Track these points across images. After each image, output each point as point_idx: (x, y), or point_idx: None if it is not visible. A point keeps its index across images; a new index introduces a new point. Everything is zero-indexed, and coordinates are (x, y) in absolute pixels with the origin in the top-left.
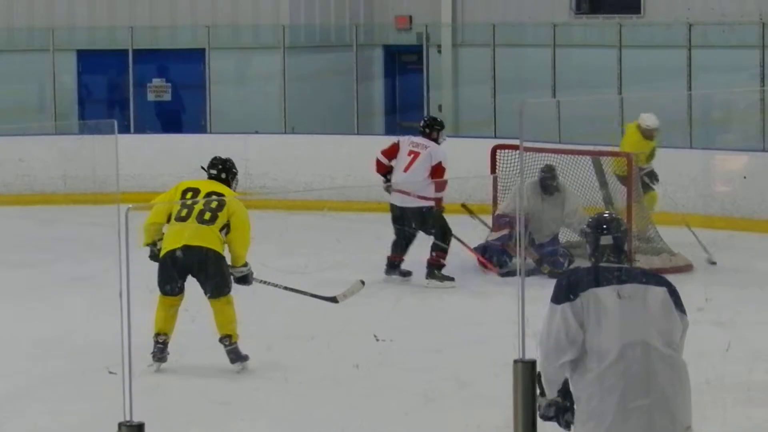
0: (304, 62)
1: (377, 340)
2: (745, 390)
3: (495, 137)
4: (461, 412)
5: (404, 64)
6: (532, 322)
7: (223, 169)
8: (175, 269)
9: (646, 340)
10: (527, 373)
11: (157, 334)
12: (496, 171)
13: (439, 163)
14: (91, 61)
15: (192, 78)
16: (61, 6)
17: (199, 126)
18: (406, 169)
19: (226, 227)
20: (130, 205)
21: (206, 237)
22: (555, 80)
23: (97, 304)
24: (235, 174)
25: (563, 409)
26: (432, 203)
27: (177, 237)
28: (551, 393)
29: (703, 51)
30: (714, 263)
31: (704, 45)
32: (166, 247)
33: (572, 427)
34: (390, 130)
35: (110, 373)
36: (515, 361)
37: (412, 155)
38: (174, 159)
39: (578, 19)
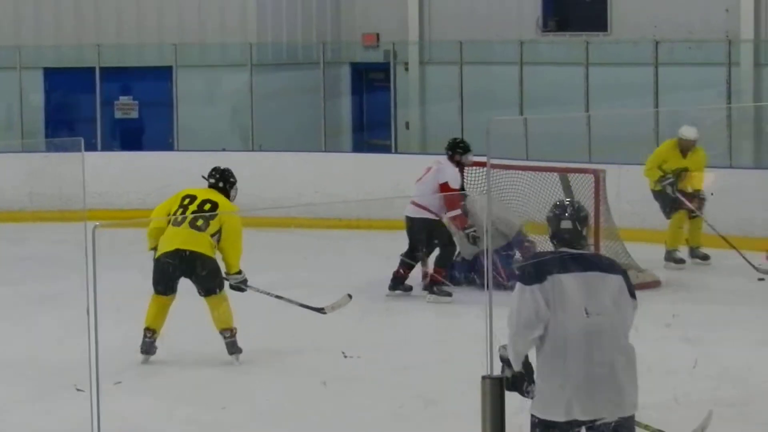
0: (271, 80)
1: (345, 356)
2: (712, 407)
3: None
4: (430, 429)
5: (371, 81)
6: (501, 338)
7: (220, 179)
8: (168, 271)
9: (604, 323)
10: (495, 390)
11: (147, 329)
12: (465, 188)
13: (445, 183)
14: (58, 79)
15: (159, 96)
16: (28, 24)
17: (166, 144)
18: (417, 181)
19: (218, 234)
20: (97, 223)
21: (197, 242)
22: (522, 97)
23: (65, 322)
24: (233, 183)
25: (526, 381)
26: (436, 217)
27: (170, 241)
28: (516, 366)
29: (670, 68)
30: (762, 279)
31: (671, 62)
32: (160, 249)
33: (532, 396)
34: (357, 148)
35: (78, 390)
36: (483, 378)
37: (427, 170)
38: (141, 177)
39: (545, 37)
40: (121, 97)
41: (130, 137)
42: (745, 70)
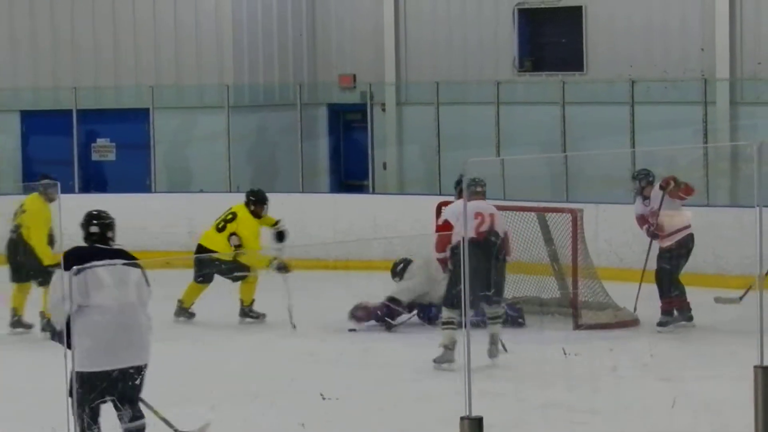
0: (248, 121)
1: (323, 398)
2: None
3: (440, 194)
4: None
5: (348, 122)
6: (479, 378)
7: (249, 200)
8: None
9: (132, 300)
10: (474, 430)
11: (187, 309)
12: None
13: (444, 221)
14: (34, 122)
15: (136, 138)
16: (5, 67)
17: (143, 185)
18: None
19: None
20: (75, 267)
21: (213, 240)
22: (499, 137)
23: (40, 362)
24: (262, 202)
25: (60, 335)
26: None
27: (201, 238)
28: (58, 326)
29: (646, 107)
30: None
31: (647, 101)
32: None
33: (75, 351)
34: (335, 189)
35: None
36: (462, 419)
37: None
38: (118, 218)
39: (521, 77)
40: (98, 140)
41: (107, 179)
42: (721, 108)
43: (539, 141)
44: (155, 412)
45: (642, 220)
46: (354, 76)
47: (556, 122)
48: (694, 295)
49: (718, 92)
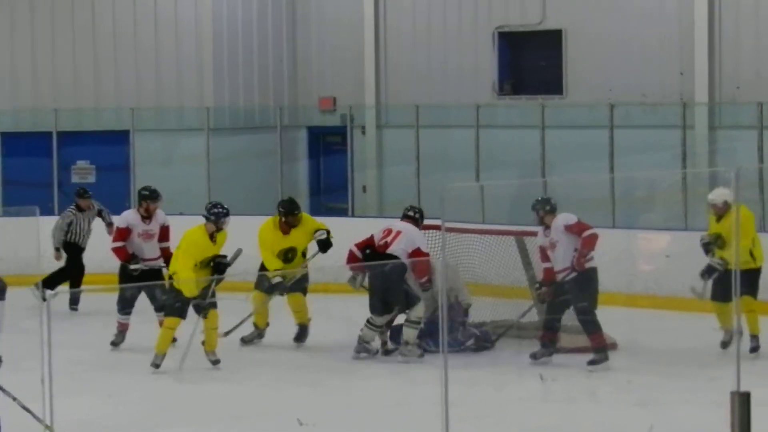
0: (228, 144)
1: (300, 424)
2: None
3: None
4: None
5: (329, 145)
6: (458, 403)
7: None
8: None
9: None
10: None
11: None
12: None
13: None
14: (15, 144)
15: (116, 160)
16: None
17: (123, 208)
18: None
19: None
20: (54, 290)
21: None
22: (479, 160)
23: (19, 390)
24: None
25: None
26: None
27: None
28: None
29: (625, 131)
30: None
31: (626, 125)
32: None
33: None
34: (314, 211)
35: None
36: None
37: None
38: (98, 240)
39: (501, 100)
40: (78, 162)
41: None
42: (700, 132)
43: (519, 164)
44: (14, 399)
45: (542, 251)
46: (334, 99)
47: (536, 145)
48: (670, 319)
49: (697, 116)
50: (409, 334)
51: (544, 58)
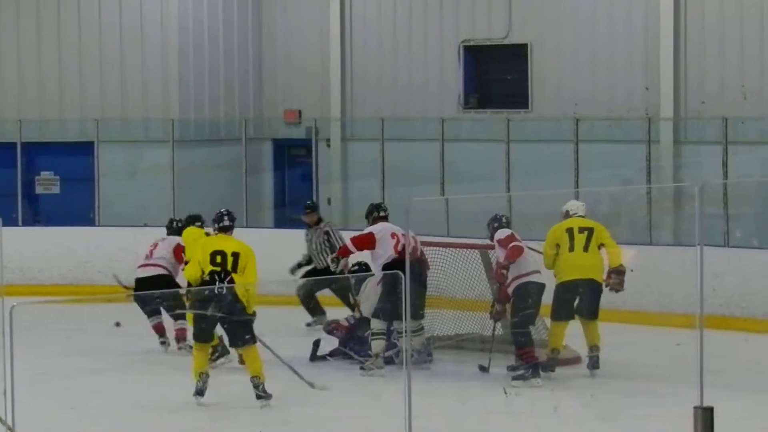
0: (193, 156)
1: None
2: None
3: None
4: None
5: (293, 157)
6: (421, 416)
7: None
8: None
9: None
10: None
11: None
12: None
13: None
14: None
15: (81, 171)
16: None
17: (87, 219)
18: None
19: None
20: (15, 303)
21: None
22: (444, 173)
23: None
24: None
25: None
26: None
27: None
28: None
29: (590, 145)
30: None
31: (591, 139)
32: None
33: None
34: (279, 224)
35: None
36: None
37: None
38: (62, 252)
39: (467, 114)
40: (42, 173)
41: (51, 212)
42: (664, 147)
43: (484, 177)
44: None
45: (499, 266)
46: (299, 111)
47: (501, 159)
48: (635, 333)
49: (662, 131)
50: (378, 345)
51: (509, 72)
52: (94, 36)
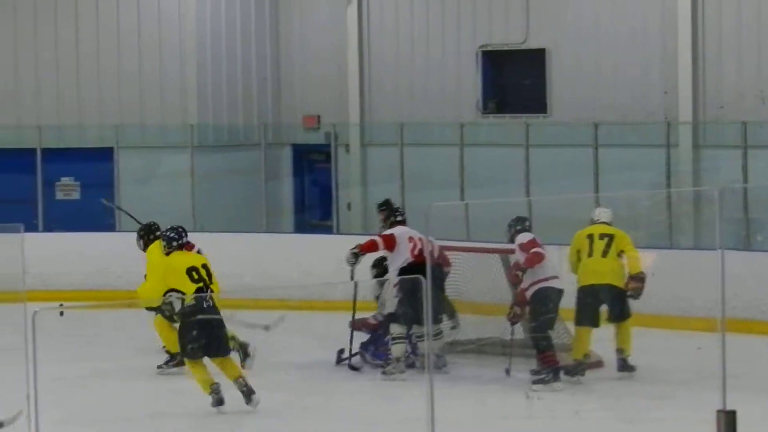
0: (212, 161)
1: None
2: None
3: None
4: None
5: (313, 162)
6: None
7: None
8: None
9: None
10: None
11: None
12: None
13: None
14: None
15: (100, 177)
16: None
17: (107, 225)
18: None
19: None
20: (37, 309)
21: None
22: (463, 178)
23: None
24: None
25: None
26: None
27: None
28: None
29: (609, 150)
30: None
31: (610, 144)
32: None
33: None
34: (299, 229)
35: None
36: None
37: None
38: (82, 257)
39: (485, 119)
40: (62, 178)
41: (71, 218)
42: (683, 151)
43: (503, 182)
44: None
45: (515, 267)
46: (318, 116)
47: (520, 164)
48: (656, 337)
49: (681, 135)
50: (398, 350)
51: (527, 77)
52: (113, 42)
